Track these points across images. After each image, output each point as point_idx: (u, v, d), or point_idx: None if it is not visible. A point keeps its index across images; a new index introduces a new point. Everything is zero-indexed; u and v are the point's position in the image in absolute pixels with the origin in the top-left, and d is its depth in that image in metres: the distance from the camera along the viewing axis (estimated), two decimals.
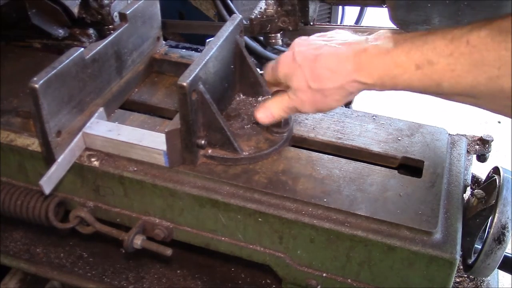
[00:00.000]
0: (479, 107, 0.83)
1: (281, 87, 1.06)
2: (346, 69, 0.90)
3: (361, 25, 2.46)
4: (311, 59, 0.94)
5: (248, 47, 1.89)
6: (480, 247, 1.00)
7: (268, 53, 2.11)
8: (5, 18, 1.40)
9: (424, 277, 0.94)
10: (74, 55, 1.04)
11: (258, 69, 1.22)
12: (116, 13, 1.42)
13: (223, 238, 1.07)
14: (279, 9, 1.15)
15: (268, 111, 1.05)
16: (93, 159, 1.09)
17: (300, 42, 0.99)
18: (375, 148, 1.12)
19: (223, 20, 1.90)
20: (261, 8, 1.16)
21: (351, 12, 2.69)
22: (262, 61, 2.13)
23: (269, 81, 1.10)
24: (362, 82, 0.90)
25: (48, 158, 1.05)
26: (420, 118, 1.23)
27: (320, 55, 0.93)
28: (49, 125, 1.00)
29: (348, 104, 1.74)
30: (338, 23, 2.52)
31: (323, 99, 0.96)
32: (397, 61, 0.84)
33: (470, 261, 1.05)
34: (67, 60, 1.02)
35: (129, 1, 1.45)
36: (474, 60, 0.75)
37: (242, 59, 1.17)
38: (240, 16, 1.19)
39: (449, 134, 1.17)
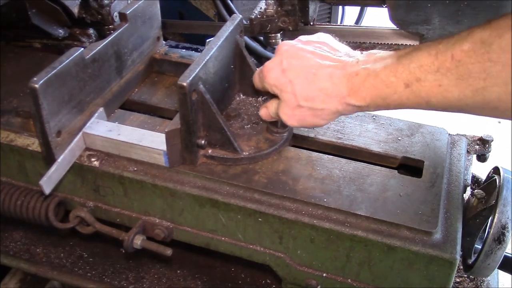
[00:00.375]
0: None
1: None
2: (340, 93, 0.91)
3: (361, 25, 2.46)
4: (304, 77, 0.94)
5: (248, 47, 1.89)
6: (480, 247, 1.00)
7: (268, 53, 2.11)
8: (5, 18, 1.40)
9: (424, 277, 0.94)
10: (74, 55, 1.04)
11: None
12: (116, 13, 1.42)
13: (223, 238, 1.07)
14: (279, 9, 1.15)
15: (268, 110, 1.06)
16: (93, 159, 1.09)
17: (288, 50, 0.98)
18: (375, 148, 1.12)
19: (223, 20, 1.90)
20: (261, 8, 1.16)
21: (351, 12, 2.68)
22: (262, 61, 2.13)
23: (258, 88, 1.10)
24: (356, 105, 0.91)
25: (48, 158, 1.05)
26: (420, 118, 1.23)
27: (314, 76, 0.93)
28: (49, 125, 1.00)
29: None
30: (338, 23, 2.52)
31: (312, 118, 0.96)
32: (387, 82, 0.85)
33: (470, 261, 1.05)
34: (67, 60, 1.02)
35: (129, 1, 1.45)
36: (460, 74, 0.76)
37: (242, 59, 1.17)
38: (240, 16, 1.19)
39: (449, 134, 1.17)
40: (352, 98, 0.90)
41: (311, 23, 1.19)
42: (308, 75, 0.94)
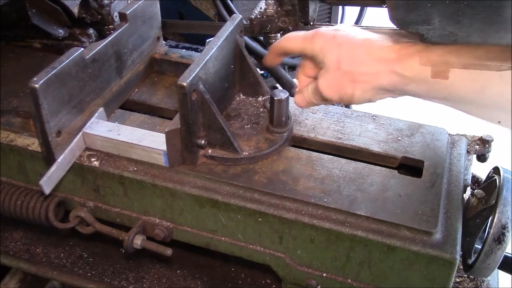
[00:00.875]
0: None
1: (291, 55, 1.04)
2: (387, 57, 0.87)
3: (361, 25, 2.46)
4: (354, 42, 0.90)
5: (248, 47, 1.90)
6: (480, 247, 1.00)
7: None
8: (5, 18, 1.40)
9: (424, 277, 0.94)
10: (74, 55, 1.04)
11: (258, 69, 1.22)
12: (116, 13, 1.42)
13: (223, 238, 1.07)
14: (279, 9, 1.15)
15: (303, 94, 1.02)
16: (93, 159, 1.09)
17: (345, 26, 0.96)
18: (375, 148, 1.12)
19: (223, 20, 1.90)
20: (261, 8, 1.16)
21: (351, 12, 2.68)
22: (262, 61, 2.13)
23: (289, 49, 1.03)
24: (401, 74, 0.86)
25: (48, 158, 1.05)
26: (420, 118, 1.23)
27: (366, 40, 0.90)
28: (49, 125, 1.00)
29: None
30: (338, 23, 2.52)
31: (350, 84, 0.91)
32: (444, 57, 0.82)
33: (470, 261, 1.05)
34: (67, 60, 1.02)
35: (129, 1, 1.45)
36: None
37: (242, 59, 1.17)
38: (240, 16, 1.19)
39: (449, 134, 1.17)
40: (399, 64, 0.85)
41: (311, 23, 1.19)
42: (359, 40, 0.90)
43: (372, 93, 0.92)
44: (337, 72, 0.91)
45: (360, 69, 0.89)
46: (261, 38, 1.74)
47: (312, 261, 1.02)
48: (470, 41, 0.95)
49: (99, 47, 1.12)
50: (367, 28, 1.14)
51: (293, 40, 1.01)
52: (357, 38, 0.91)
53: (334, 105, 1.22)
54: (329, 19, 2.54)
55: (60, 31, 1.41)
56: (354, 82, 0.91)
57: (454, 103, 0.87)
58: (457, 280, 1.22)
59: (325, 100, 0.99)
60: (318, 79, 0.96)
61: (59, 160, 1.03)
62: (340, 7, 2.55)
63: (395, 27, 1.04)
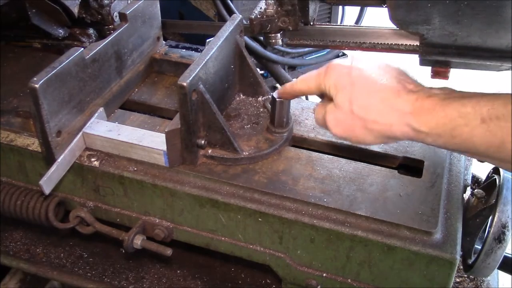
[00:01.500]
0: None
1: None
2: (402, 109, 0.82)
3: (361, 25, 2.46)
4: (368, 84, 0.85)
5: (248, 47, 1.90)
6: (480, 247, 1.00)
7: (268, 53, 2.11)
8: (5, 18, 1.40)
9: (424, 277, 0.94)
10: (74, 55, 1.04)
11: (258, 69, 1.22)
12: (116, 13, 1.42)
13: (223, 238, 1.07)
14: (279, 9, 1.14)
15: (316, 116, 0.97)
16: (93, 159, 1.09)
17: (361, 58, 0.90)
18: (375, 148, 1.12)
19: (223, 20, 1.90)
20: (261, 8, 1.16)
21: (351, 12, 2.68)
22: (262, 61, 2.14)
23: (304, 91, 0.99)
24: (415, 128, 0.81)
25: (48, 158, 1.05)
26: None
27: (380, 86, 0.85)
28: (49, 125, 1.00)
29: None
30: (338, 23, 2.52)
31: (361, 130, 0.87)
32: (461, 111, 0.76)
33: (470, 261, 1.05)
34: (67, 60, 1.02)
35: (129, 1, 1.45)
36: None
37: (242, 59, 1.17)
38: (240, 16, 1.19)
39: None
40: (414, 119, 0.80)
41: (311, 23, 1.19)
42: (374, 84, 0.85)
43: (384, 140, 0.88)
44: (349, 114, 0.87)
45: (374, 117, 0.85)
46: (261, 38, 1.74)
47: (312, 261, 1.02)
48: (470, 41, 0.95)
49: (99, 47, 1.12)
50: (367, 28, 1.14)
51: (307, 81, 0.96)
52: (371, 79, 0.86)
53: None
54: (329, 19, 2.54)
55: (60, 31, 1.41)
56: (366, 129, 0.86)
57: (473, 155, 0.83)
58: (457, 280, 1.22)
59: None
60: (327, 113, 0.91)
61: (59, 160, 1.03)
62: (340, 7, 2.55)
63: (395, 27, 1.04)
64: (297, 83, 0.99)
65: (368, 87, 0.85)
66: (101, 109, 1.15)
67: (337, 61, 0.92)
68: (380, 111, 0.84)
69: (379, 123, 0.84)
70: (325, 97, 0.94)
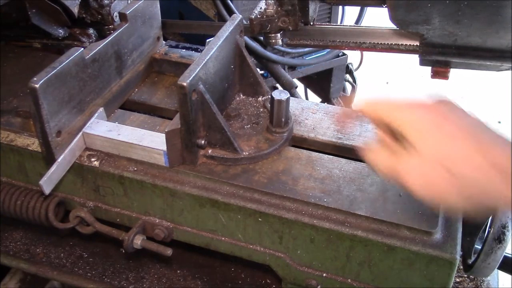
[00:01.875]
0: None
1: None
2: (502, 162, 0.69)
3: (361, 25, 2.46)
4: (462, 130, 0.72)
5: (248, 47, 1.90)
6: (480, 247, 1.00)
7: (268, 53, 2.11)
8: (5, 18, 1.40)
9: (424, 277, 0.94)
10: (74, 55, 1.04)
11: (258, 69, 1.22)
12: (116, 13, 1.42)
13: (223, 238, 1.07)
14: (279, 9, 1.14)
15: (369, 158, 0.83)
16: (93, 159, 1.09)
17: (452, 107, 0.75)
18: None
19: (223, 20, 1.90)
20: (261, 8, 1.16)
21: (351, 12, 2.68)
22: (262, 61, 2.14)
23: (375, 119, 0.82)
24: None
25: (48, 158, 1.05)
26: None
27: (475, 133, 0.72)
28: (49, 125, 1.00)
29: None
30: (338, 23, 2.52)
31: (444, 185, 0.72)
32: None
33: (470, 261, 1.05)
34: (67, 60, 1.02)
35: (129, 1, 1.45)
36: None
37: (242, 59, 1.17)
38: (240, 16, 1.19)
39: None
40: None
41: (311, 23, 1.19)
42: (467, 130, 0.72)
43: (471, 202, 0.73)
44: (431, 168, 0.73)
45: (464, 170, 0.70)
46: (261, 38, 1.74)
47: (312, 261, 1.02)
48: (470, 41, 0.95)
49: (99, 47, 1.12)
50: (367, 28, 1.14)
51: (383, 109, 0.79)
52: (465, 126, 0.73)
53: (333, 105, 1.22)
54: (329, 19, 2.54)
55: (60, 31, 1.41)
56: (451, 185, 0.72)
57: None
58: (457, 280, 1.22)
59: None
60: (400, 163, 0.76)
61: (59, 160, 1.04)
62: (340, 7, 2.55)
63: (395, 27, 1.04)
64: (367, 107, 0.83)
65: (462, 133, 0.73)
66: (101, 109, 1.15)
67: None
68: (476, 166, 0.71)
69: (469, 178, 0.71)
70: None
